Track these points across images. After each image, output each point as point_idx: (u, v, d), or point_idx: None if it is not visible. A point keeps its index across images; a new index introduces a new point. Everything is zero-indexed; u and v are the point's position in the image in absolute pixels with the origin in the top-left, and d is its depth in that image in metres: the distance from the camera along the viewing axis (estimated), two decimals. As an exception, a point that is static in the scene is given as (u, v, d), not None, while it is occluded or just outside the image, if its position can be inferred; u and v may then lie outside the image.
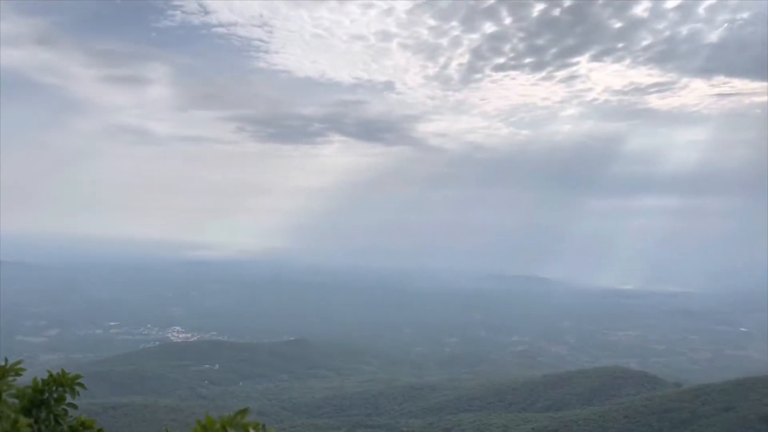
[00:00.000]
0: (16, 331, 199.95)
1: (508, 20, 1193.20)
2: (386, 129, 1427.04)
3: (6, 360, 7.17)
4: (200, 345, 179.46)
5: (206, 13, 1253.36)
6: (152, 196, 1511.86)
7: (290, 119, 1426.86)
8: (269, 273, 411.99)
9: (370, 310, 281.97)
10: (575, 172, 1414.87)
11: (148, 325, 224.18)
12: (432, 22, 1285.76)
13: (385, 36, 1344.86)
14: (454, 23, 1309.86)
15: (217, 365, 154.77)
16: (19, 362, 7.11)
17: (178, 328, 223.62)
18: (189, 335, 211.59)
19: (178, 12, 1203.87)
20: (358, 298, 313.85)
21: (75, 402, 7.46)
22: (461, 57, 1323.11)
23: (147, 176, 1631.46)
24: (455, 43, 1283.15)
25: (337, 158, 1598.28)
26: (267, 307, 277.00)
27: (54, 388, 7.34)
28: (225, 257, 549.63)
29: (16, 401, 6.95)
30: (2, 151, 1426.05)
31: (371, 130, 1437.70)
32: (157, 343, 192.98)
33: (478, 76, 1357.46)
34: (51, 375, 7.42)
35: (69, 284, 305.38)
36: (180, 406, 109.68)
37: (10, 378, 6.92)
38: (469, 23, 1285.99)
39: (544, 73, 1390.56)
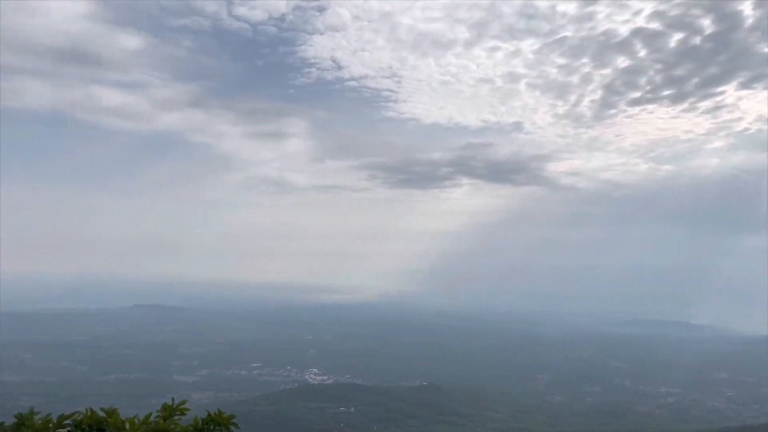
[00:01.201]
0: (172, 370, 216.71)
1: (642, 53, 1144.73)
2: (515, 170, 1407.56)
3: (172, 399, 8.26)
4: (336, 387, 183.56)
5: (339, 68, 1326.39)
6: (290, 242, 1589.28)
7: (419, 165, 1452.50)
8: (400, 316, 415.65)
9: (501, 355, 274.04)
10: (726, 207, 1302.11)
11: (288, 367, 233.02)
12: (561, 60, 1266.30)
13: (513, 77, 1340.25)
14: (584, 60, 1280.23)
15: (352, 408, 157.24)
16: (183, 402, 8.13)
17: (315, 370, 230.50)
18: (325, 377, 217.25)
19: (313, 69, 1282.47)
20: (488, 343, 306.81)
21: (228, 440, 8.37)
22: (593, 93, 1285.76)
23: (286, 224, 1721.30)
24: (586, 79, 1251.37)
25: (465, 201, 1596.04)
26: (398, 350, 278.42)
27: (212, 427, 8.29)
28: (358, 300, 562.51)
29: (180, 438, 8.00)
30: (161, 206, 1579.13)
31: (500, 172, 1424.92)
32: (296, 384, 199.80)
33: (612, 111, 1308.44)
34: (209, 414, 8.38)
35: (217, 326, 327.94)
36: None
37: (176, 417, 7.97)
38: (601, 59, 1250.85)
39: (685, 105, 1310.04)
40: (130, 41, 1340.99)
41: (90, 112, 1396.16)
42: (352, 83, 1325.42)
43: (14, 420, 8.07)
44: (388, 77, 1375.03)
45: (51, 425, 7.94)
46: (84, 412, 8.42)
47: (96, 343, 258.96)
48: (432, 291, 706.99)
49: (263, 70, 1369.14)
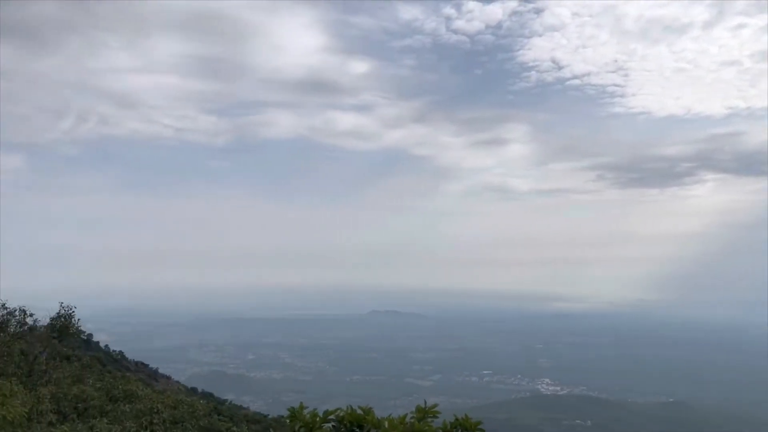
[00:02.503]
0: (406, 374, 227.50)
1: None
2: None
3: (425, 401, 8.66)
4: (570, 399, 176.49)
5: (559, 68, 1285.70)
6: (517, 249, 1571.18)
7: (653, 162, 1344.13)
8: (639, 326, 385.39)
9: (762, 373, 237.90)
10: None
11: (519, 375, 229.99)
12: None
13: (764, 56, 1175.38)
14: None
15: (588, 421, 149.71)
16: (435, 405, 8.48)
17: (547, 379, 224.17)
18: (558, 388, 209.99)
19: (532, 72, 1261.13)
20: (748, 359, 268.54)
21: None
22: None
23: (511, 231, 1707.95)
24: None
25: (711, 199, 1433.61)
26: (637, 363, 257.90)
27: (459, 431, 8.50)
28: (591, 309, 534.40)
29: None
30: (391, 218, 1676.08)
31: (754, 163, 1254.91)
32: (528, 393, 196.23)
33: None
34: (456, 419, 8.60)
35: (448, 333, 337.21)
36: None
37: (429, 419, 8.34)
38: None
39: None
40: (359, 66, 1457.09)
41: (328, 135, 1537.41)
42: (574, 82, 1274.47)
43: (287, 413, 9.04)
44: (614, 71, 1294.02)
45: (317, 419, 8.75)
46: (345, 409, 9.14)
47: (341, 346, 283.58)
48: (677, 300, 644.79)
49: (482, 79, 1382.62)
